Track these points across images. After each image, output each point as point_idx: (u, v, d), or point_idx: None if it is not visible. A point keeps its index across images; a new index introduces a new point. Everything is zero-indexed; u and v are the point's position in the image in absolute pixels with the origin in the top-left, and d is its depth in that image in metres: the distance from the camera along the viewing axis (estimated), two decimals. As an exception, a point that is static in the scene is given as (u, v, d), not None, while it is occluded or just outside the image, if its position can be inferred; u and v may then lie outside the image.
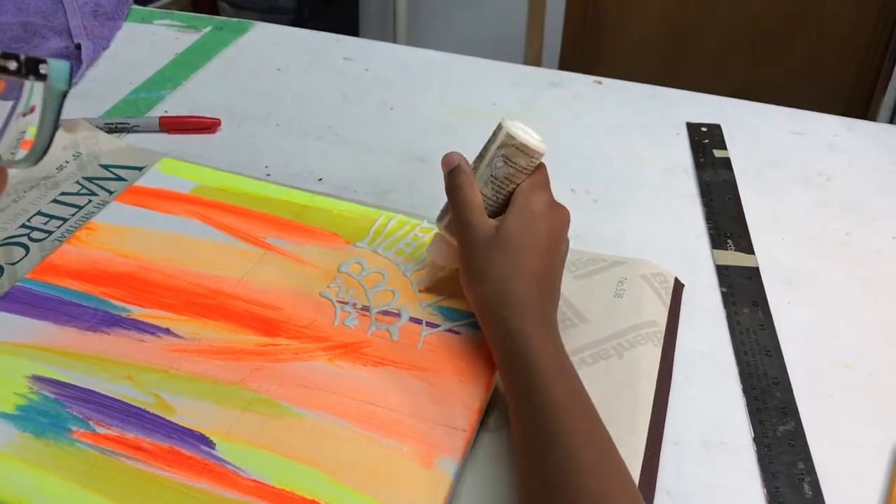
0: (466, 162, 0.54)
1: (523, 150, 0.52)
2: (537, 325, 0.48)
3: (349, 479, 0.45)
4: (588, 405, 0.45)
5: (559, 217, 0.52)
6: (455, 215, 0.53)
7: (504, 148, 0.52)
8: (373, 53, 0.89)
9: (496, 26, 2.19)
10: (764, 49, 1.98)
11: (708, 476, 0.48)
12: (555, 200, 0.53)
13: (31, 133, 0.35)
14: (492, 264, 0.50)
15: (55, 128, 0.34)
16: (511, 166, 0.52)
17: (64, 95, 0.33)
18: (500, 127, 0.53)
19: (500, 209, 0.53)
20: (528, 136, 0.52)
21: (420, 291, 0.57)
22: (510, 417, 0.47)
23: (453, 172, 0.54)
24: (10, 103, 0.37)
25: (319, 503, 0.44)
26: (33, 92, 0.35)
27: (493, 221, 0.52)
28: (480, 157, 0.54)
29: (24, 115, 0.36)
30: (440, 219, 0.55)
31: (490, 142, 0.53)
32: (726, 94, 0.83)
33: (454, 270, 0.55)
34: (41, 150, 0.34)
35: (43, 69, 0.32)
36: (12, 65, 0.31)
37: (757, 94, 0.88)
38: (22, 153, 0.37)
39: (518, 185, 0.53)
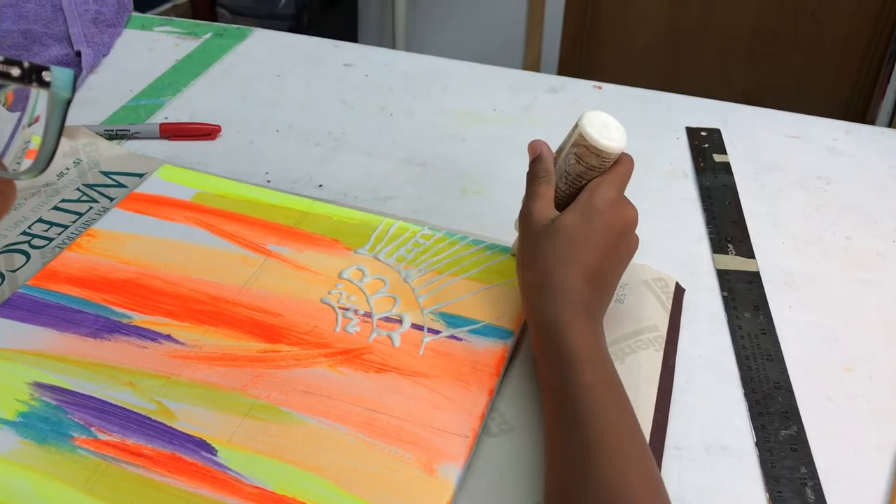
0: (550, 151, 0.55)
1: (594, 151, 0.51)
2: (576, 314, 0.48)
3: (351, 485, 0.45)
4: (620, 393, 0.46)
5: (622, 215, 0.52)
6: (523, 203, 0.54)
7: (577, 147, 0.52)
8: (372, 59, 0.89)
9: (495, 32, 2.20)
10: (763, 54, 1.98)
11: (710, 481, 0.48)
12: (623, 198, 0.53)
13: (35, 143, 0.35)
14: (541, 253, 0.50)
15: (59, 136, 0.34)
16: (582, 164, 0.52)
17: (68, 103, 0.33)
18: (577, 123, 0.52)
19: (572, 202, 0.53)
20: (603, 136, 0.51)
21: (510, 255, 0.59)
22: (543, 404, 0.48)
23: (534, 162, 0.54)
24: (16, 115, 0.37)
25: (321, 509, 0.44)
26: (38, 102, 0.35)
27: (554, 213, 0.52)
28: (560, 149, 0.54)
29: (29, 125, 0.36)
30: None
31: (568, 136, 0.53)
32: (725, 99, 0.83)
33: None
34: (46, 158, 0.34)
35: (46, 76, 0.32)
36: (15, 71, 0.31)
37: (756, 99, 0.89)
38: (27, 163, 0.37)
39: (591, 180, 0.53)
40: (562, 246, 0.50)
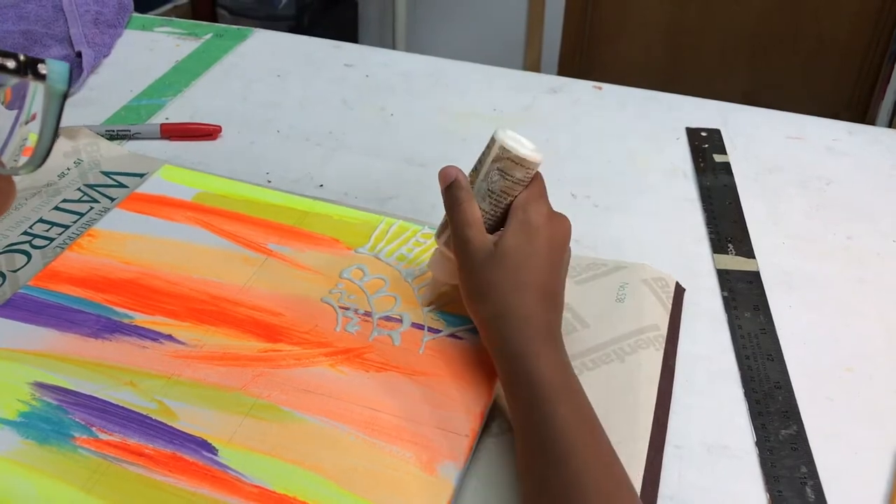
0: (464, 175, 0.53)
1: (519, 162, 0.50)
2: (541, 342, 0.47)
3: (351, 484, 0.45)
4: (594, 423, 0.45)
5: (560, 228, 0.51)
6: (454, 232, 0.52)
7: (499, 161, 0.51)
8: (373, 60, 0.89)
9: (495, 33, 2.20)
10: (763, 54, 1.98)
11: (710, 481, 0.48)
12: (553, 211, 0.52)
13: (32, 140, 0.35)
14: (492, 282, 0.49)
15: (56, 130, 0.33)
16: (507, 179, 0.51)
17: (64, 97, 0.33)
18: (493, 139, 0.51)
19: (499, 222, 0.52)
20: (523, 146, 0.51)
21: (423, 307, 0.56)
22: (515, 436, 0.47)
23: (451, 187, 0.52)
24: (14, 112, 0.37)
25: (322, 509, 0.44)
26: (35, 99, 0.35)
27: (491, 237, 0.51)
28: (476, 170, 0.52)
29: (27, 122, 0.36)
30: (439, 234, 0.54)
31: (485, 154, 0.52)
32: (726, 99, 0.83)
33: (456, 285, 0.54)
34: (43, 153, 0.34)
35: (42, 69, 0.32)
36: (10, 63, 0.31)
37: (756, 99, 0.89)
38: (24, 160, 0.37)
39: (515, 195, 0.52)
40: (511, 272, 0.49)
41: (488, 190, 0.52)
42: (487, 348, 0.50)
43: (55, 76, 0.32)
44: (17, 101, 0.36)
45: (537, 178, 0.52)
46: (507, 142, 0.51)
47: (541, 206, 0.51)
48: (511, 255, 0.49)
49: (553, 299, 0.50)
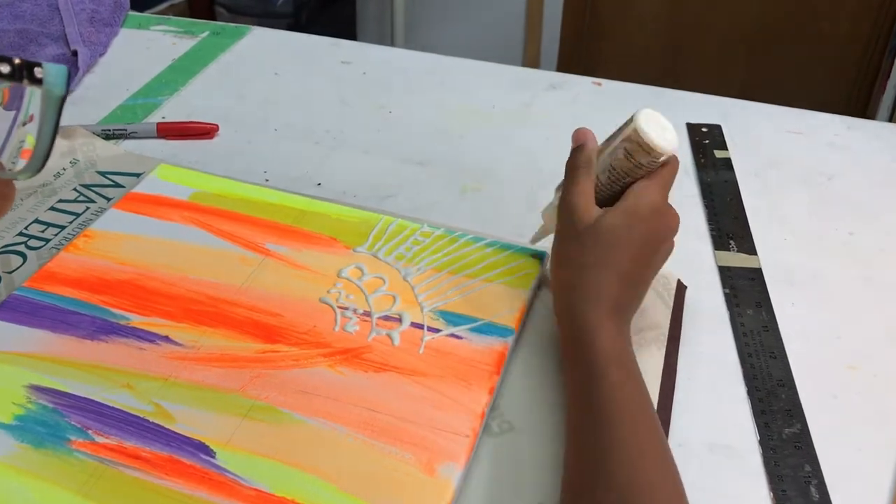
0: (595, 141, 0.53)
1: (647, 149, 0.50)
2: (606, 316, 0.48)
3: (351, 486, 0.45)
4: (643, 394, 0.46)
5: (664, 222, 0.51)
6: (563, 195, 0.53)
7: (629, 142, 0.50)
8: (371, 57, 0.89)
9: (494, 29, 2.19)
10: (763, 49, 1.98)
11: (713, 480, 0.48)
12: (666, 203, 0.52)
13: (30, 142, 0.35)
14: (579, 252, 0.50)
15: (54, 135, 0.33)
16: (631, 161, 0.51)
17: (62, 100, 0.32)
18: (632, 118, 0.51)
19: (612, 199, 0.52)
20: (658, 134, 0.50)
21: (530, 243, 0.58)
22: (568, 403, 0.48)
23: (576, 150, 0.53)
24: (12, 113, 0.37)
25: (321, 511, 0.43)
26: (32, 101, 0.34)
27: (597, 211, 0.51)
28: (609, 140, 0.52)
29: (24, 124, 0.35)
30: (558, 188, 0.55)
31: (621, 129, 0.52)
32: (726, 94, 0.83)
33: None
34: (41, 158, 0.33)
35: (38, 73, 0.31)
36: (5, 68, 0.30)
37: (756, 94, 0.88)
38: (22, 162, 0.36)
39: (635, 179, 0.51)
40: (602, 248, 0.49)
41: (611, 165, 0.52)
42: (555, 313, 0.51)
43: (52, 80, 0.31)
44: (14, 102, 0.35)
45: (667, 166, 0.52)
46: (643, 125, 0.50)
47: (654, 196, 0.51)
48: (606, 234, 0.50)
49: (633, 285, 0.50)
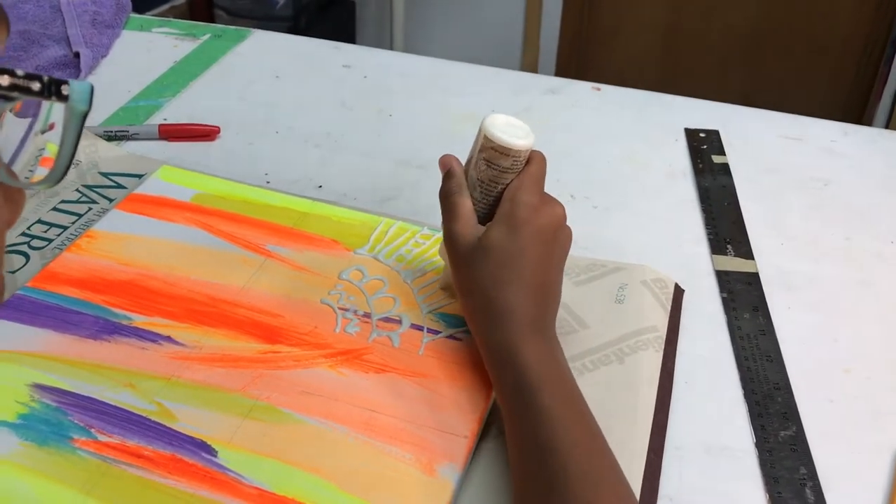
0: (459, 164, 0.53)
1: (503, 151, 0.49)
2: (525, 333, 0.47)
3: (351, 486, 0.45)
4: (581, 413, 0.45)
5: (550, 215, 0.50)
6: (444, 226, 0.52)
7: (484, 151, 0.50)
8: (371, 61, 0.89)
9: (492, 33, 2.20)
10: (760, 55, 1.98)
11: (710, 482, 0.48)
12: (545, 197, 0.51)
13: (50, 150, 0.35)
14: (476, 277, 0.49)
15: (76, 147, 0.34)
16: (494, 168, 0.50)
17: (85, 116, 0.33)
18: (480, 128, 0.50)
19: (492, 210, 0.51)
20: (510, 134, 0.49)
21: (440, 289, 0.57)
22: (505, 428, 0.47)
23: (445, 177, 0.52)
24: (27, 121, 0.37)
25: (322, 510, 0.44)
26: (52, 109, 0.35)
27: (478, 230, 0.50)
28: (469, 159, 0.52)
29: (43, 132, 0.36)
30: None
31: (475, 143, 0.51)
32: (723, 100, 0.83)
33: None
34: (62, 169, 0.34)
35: (65, 90, 0.32)
36: (35, 86, 0.31)
37: (753, 100, 0.89)
38: (41, 170, 0.37)
39: (507, 184, 0.51)
40: (494, 266, 0.48)
41: (478, 179, 0.51)
42: (476, 341, 0.50)
43: (77, 96, 0.32)
44: (29, 109, 0.36)
45: (531, 162, 0.51)
46: (492, 130, 0.49)
47: (529, 196, 0.49)
48: (493, 249, 0.48)
49: (543, 291, 0.49)
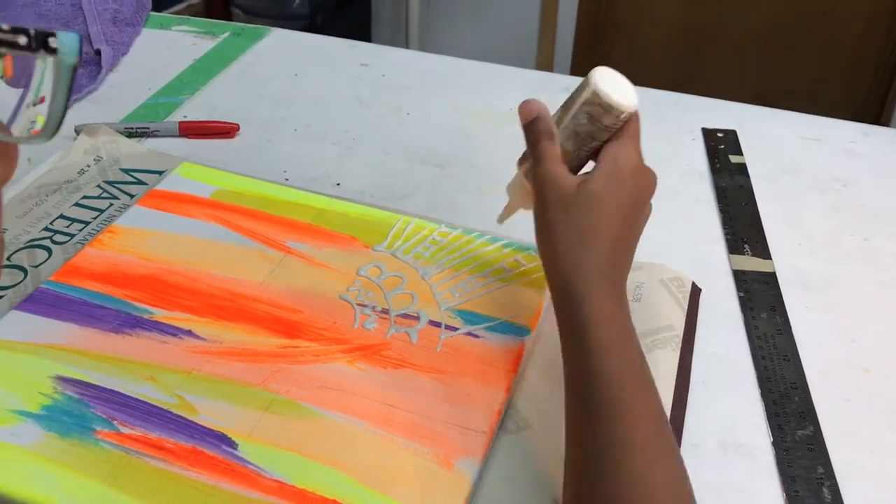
0: (547, 110, 0.52)
1: (608, 109, 0.48)
2: (604, 292, 0.46)
3: (370, 480, 0.45)
4: (644, 379, 0.44)
5: (646, 180, 0.50)
6: (536, 167, 0.50)
7: (589, 105, 0.49)
8: (388, 59, 0.90)
9: (508, 31, 2.20)
10: (776, 55, 1.98)
11: (726, 480, 0.48)
12: (642, 162, 0.50)
13: (40, 123, 0.35)
14: (568, 223, 0.48)
15: (67, 101, 0.33)
16: (595, 124, 0.49)
17: (74, 68, 0.33)
18: (587, 80, 0.49)
19: (580, 164, 0.51)
20: (617, 92, 0.48)
21: (497, 223, 0.57)
22: (564, 383, 0.45)
23: (534, 122, 0.51)
24: (19, 91, 0.37)
25: (340, 503, 0.44)
26: (43, 80, 0.34)
27: (575, 178, 0.49)
28: (566, 107, 0.51)
29: (35, 104, 0.35)
30: (520, 162, 0.53)
31: (577, 93, 0.50)
32: (740, 99, 0.83)
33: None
34: (55, 124, 0.34)
35: (53, 42, 0.31)
36: (22, 39, 0.31)
37: (770, 101, 0.88)
38: (33, 138, 0.37)
39: (602, 141, 0.50)
40: (592, 217, 0.47)
41: (574, 131, 0.50)
42: (549, 288, 0.49)
43: (66, 48, 0.32)
44: (21, 79, 0.36)
45: (631, 122, 0.50)
46: (601, 86, 0.48)
47: (632, 155, 0.49)
48: (594, 200, 0.47)
49: (625, 253, 0.49)
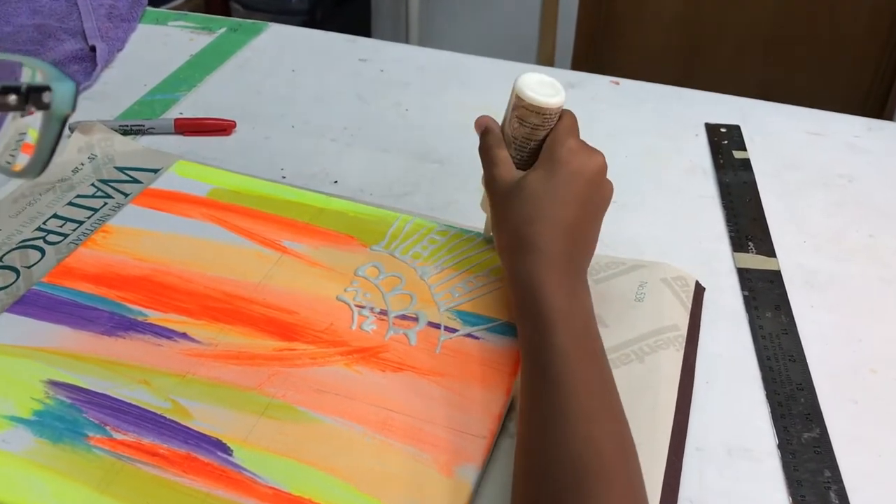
0: (496, 123, 0.55)
1: (534, 109, 0.51)
2: (551, 269, 0.48)
3: (368, 486, 0.45)
4: (594, 353, 0.46)
5: (590, 162, 0.51)
6: (485, 174, 0.54)
7: (517, 109, 0.52)
8: (388, 54, 0.89)
9: (508, 26, 2.18)
10: (779, 49, 1.96)
11: (731, 483, 0.47)
12: (585, 146, 0.52)
13: (31, 136, 0.34)
14: (511, 211, 0.50)
15: (55, 146, 0.32)
16: (526, 126, 0.52)
17: (66, 119, 0.31)
18: (513, 87, 0.52)
19: (526, 166, 0.53)
20: (541, 93, 0.51)
21: (483, 241, 0.60)
22: (521, 366, 0.47)
23: (483, 134, 0.55)
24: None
25: (338, 510, 0.43)
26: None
27: (517, 174, 0.52)
28: (503, 120, 0.55)
29: (23, 115, 0.34)
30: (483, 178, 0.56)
31: (508, 104, 0.54)
32: (743, 94, 0.82)
33: None
34: (40, 166, 0.32)
35: (46, 98, 0.30)
36: (12, 99, 0.29)
37: (774, 94, 0.87)
38: (22, 157, 0.35)
39: (539, 140, 0.53)
40: (529, 203, 0.50)
41: (512, 136, 0.53)
42: (506, 281, 0.51)
43: (60, 102, 0.30)
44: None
45: (564, 118, 0.53)
46: (524, 89, 0.51)
47: (567, 141, 0.51)
48: (530, 187, 0.50)
49: (574, 232, 0.50)
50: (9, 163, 0.35)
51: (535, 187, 0.50)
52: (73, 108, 0.31)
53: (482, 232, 0.61)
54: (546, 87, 0.52)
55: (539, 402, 0.43)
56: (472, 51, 0.91)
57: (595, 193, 0.51)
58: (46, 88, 0.30)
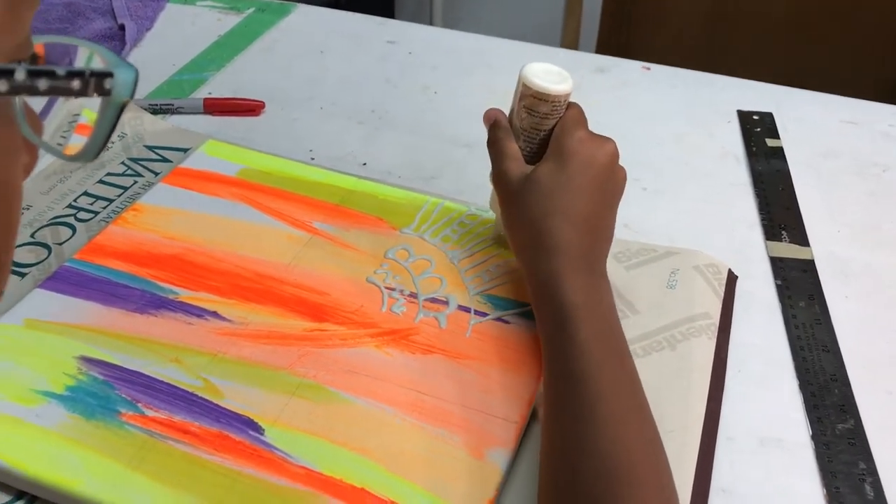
0: (504, 115, 0.54)
1: (541, 97, 0.50)
2: (570, 265, 0.47)
3: (398, 467, 0.45)
4: (618, 350, 0.45)
5: (600, 150, 0.50)
6: (493, 168, 0.53)
7: (524, 99, 0.51)
8: (416, 37, 0.88)
9: (532, 8, 2.17)
10: (810, 34, 1.93)
11: (764, 474, 0.47)
12: (594, 135, 0.51)
13: (87, 117, 0.33)
14: (524, 207, 0.50)
15: (111, 132, 0.32)
16: (534, 115, 0.51)
17: (125, 105, 0.31)
18: (519, 77, 0.51)
19: (536, 157, 0.52)
20: (547, 81, 0.50)
21: (493, 240, 0.59)
22: (543, 361, 0.47)
23: (492, 127, 0.54)
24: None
25: (368, 491, 0.43)
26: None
27: (526, 168, 0.51)
28: (511, 111, 0.54)
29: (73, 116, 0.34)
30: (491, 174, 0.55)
31: (515, 95, 0.53)
32: (774, 80, 0.81)
33: None
34: (95, 151, 0.32)
35: (108, 84, 0.30)
36: (76, 84, 0.29)
37: (803, 81, 0.86)
38: (75, 138, 0.35)
39: (547, 130, 0.52)
40: (543, 197, 0.49)
41: (520, 128, 0.53)
42: (524, 277, 0.50)
43: (120, 89, 0.30)
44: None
45: (570, 109, 0.52)
46: (530, 77, 0.51)
47: (575, 132, 0.50)
48: (542, 181, 0.49)
49: (591, 225, 0.49)
50: (60, 145, 0.34)
51: (548, 180, 0.49)
52: (132, 95, 0.30)
53: (492, 237, 0.59)
54: (553, 74, 0.51)
55: (564, 405, 0.43)
56: (494, 32, 0.90)
57: (608, 181, 0.51)
58: (109, 74, 0.29)
